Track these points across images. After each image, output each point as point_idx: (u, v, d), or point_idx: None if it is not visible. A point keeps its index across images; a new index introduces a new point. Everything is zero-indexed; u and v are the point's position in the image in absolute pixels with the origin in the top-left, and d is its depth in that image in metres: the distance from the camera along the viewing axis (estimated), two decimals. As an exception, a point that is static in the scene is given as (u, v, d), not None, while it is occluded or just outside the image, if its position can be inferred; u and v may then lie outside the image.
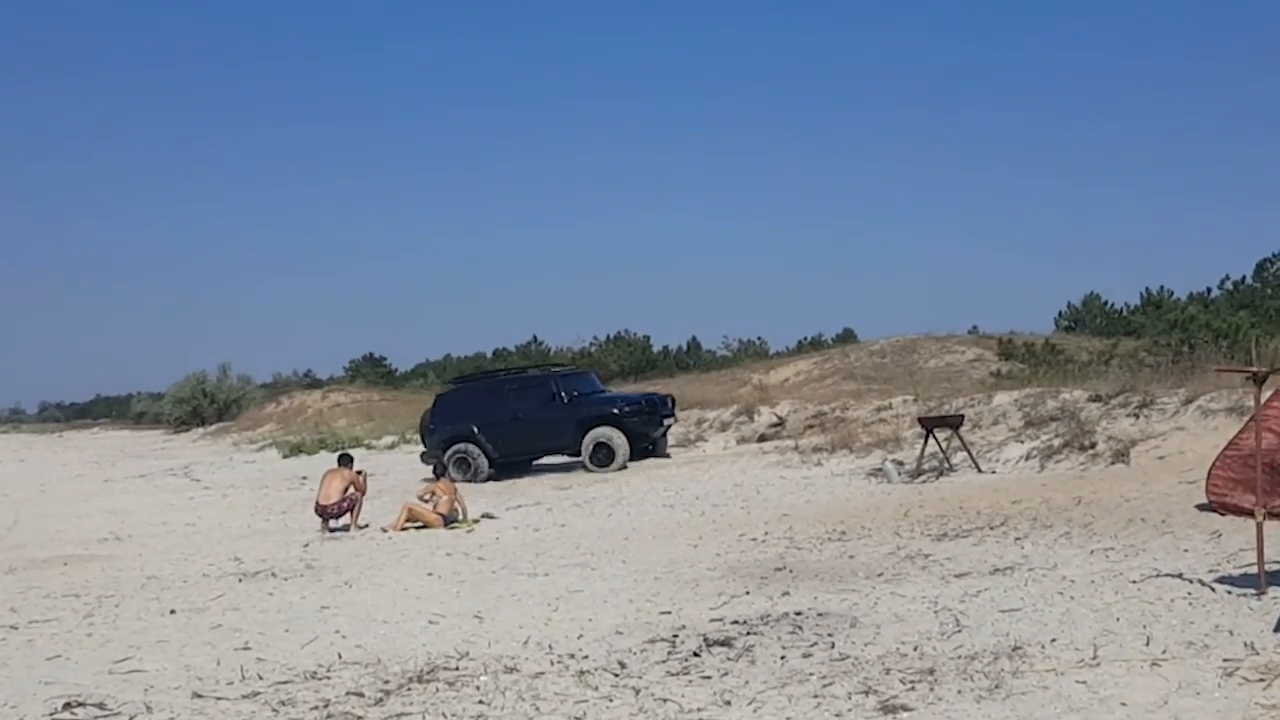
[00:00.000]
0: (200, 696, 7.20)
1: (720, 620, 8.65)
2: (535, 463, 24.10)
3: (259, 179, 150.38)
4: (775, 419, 25.63)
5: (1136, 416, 16.87)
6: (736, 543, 12.65)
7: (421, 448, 24.65)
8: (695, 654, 7.60)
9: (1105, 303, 55.56)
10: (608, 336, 74.00)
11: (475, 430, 23.18)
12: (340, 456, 17.81)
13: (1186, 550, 9.88)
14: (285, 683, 7.45)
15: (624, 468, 21.89)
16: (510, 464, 23.37)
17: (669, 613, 9.09)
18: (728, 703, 6.43)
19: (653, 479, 20.07)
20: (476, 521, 16.26)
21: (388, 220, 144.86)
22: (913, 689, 6.40)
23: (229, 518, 19.32)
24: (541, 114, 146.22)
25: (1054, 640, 7.22)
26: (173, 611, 10.37)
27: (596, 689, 6.89)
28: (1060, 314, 56.21)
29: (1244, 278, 52.79)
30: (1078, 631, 7.40)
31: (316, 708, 6.79)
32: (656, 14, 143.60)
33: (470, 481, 22.26)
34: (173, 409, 65.71)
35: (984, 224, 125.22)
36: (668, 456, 23.25)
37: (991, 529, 12.01)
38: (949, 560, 10.52)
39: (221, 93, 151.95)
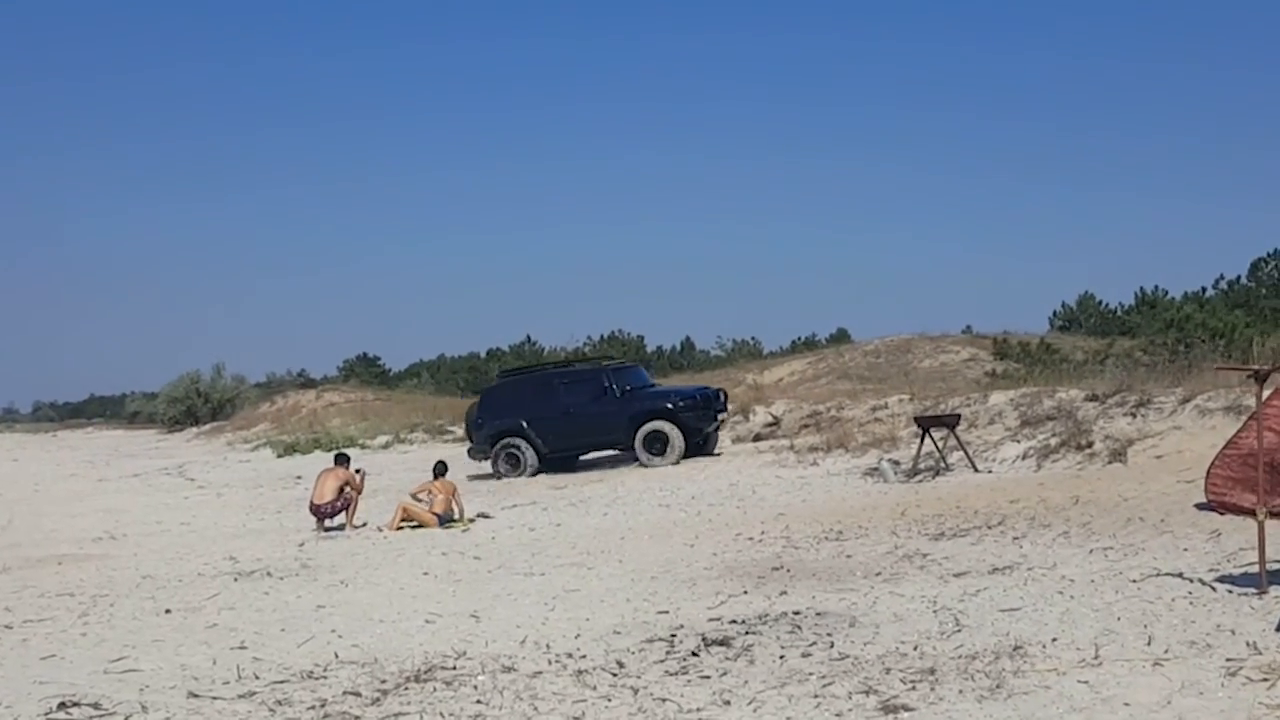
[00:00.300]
0: (196, 696, 7.15)
1: (718, 620, 8.61)
2: (581, 458, 23.79)
3: (253, 179, 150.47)
4: (770, 419, 25.62)
5: (1133, 416, 16.85)
6: (733, 542, 12.61)
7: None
8: (694, 653, 7.56)
9: (1100, 302, 55.61)
10: (601, 336, 73.88)
11: (525, 425, 22.87)
12: (336, 456, 17.76)
13: (1186, 549, 9.85)
14: (281, 682, 7.40)
15: (678, 462, 21.53)
16: (559, 459, 23.05)
17: (666, 612, 9.05)
18: (727, 702, 6.38)
19: (648, 478, 20.03)
20: (472, 521, 16.22)
21: (382, 220, 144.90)
22: (913, 689, 6.36)
23: (224, 517, 19.26)
24: (536, 116, 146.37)
25: (1055, 640, 7.18)
26: (168, 611, 10.31)
27: (595, 689, 6.84)
28: (1055, 313, 56.28)
29: (1239, 277, 52.84)
30: (1078, 631, 7.36)
31: (313, 707, 6.74)
32: (653, 16, 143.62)
33: (519, 477, 22.21)
34: (167, 409, 65.61)
35: (978, 224, 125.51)
36: (718, 454, 22.71)
37: (989, 528, 11.98)
38: (947, 559, 10.48)
39: (217, 93, 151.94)
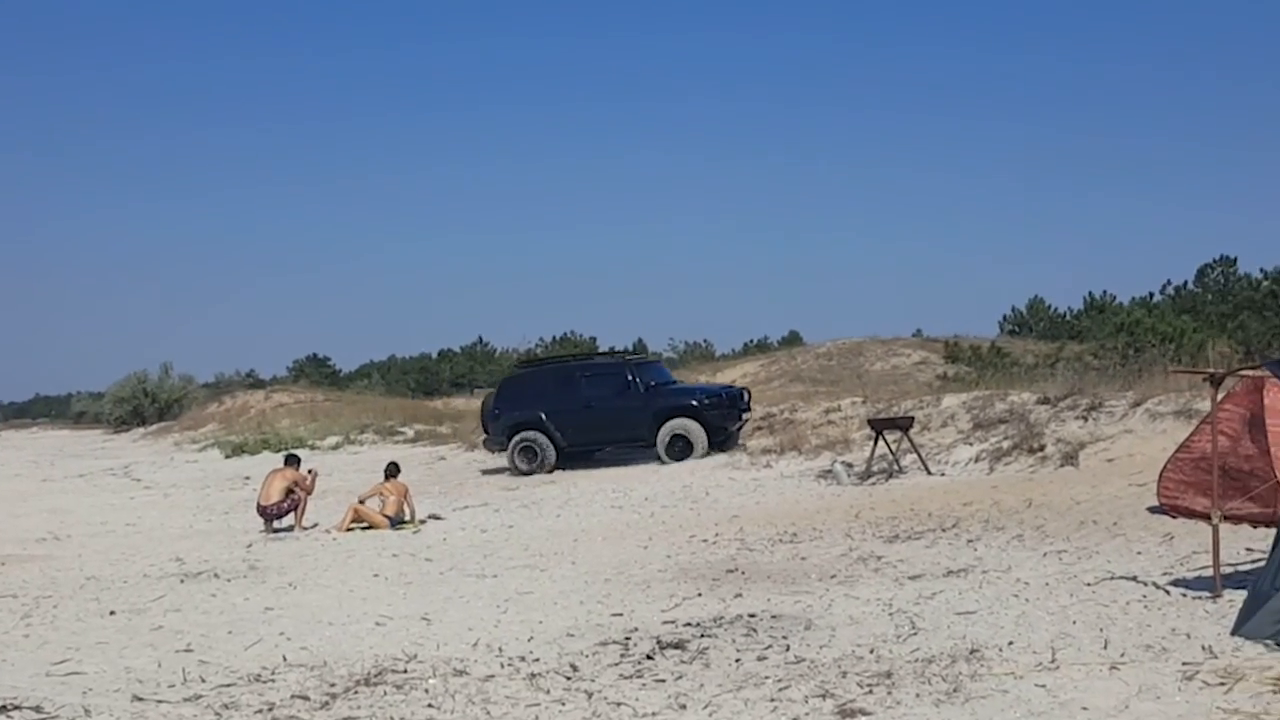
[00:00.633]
0: (141, 700, 6.98)
1: (673, 622, 8.54)
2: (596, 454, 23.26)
3: (202, 180, 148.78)
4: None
5: (1085, 419, 16.93)
6: (687, 544, 12.55)
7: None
8: (648, 656, 7.48)
9: (1049, 307, 56.11)
10: (554, 338, 73.87)
11: (543, 417, 22.39)
12: (286, 457, 17.55)
13: (1139, 553, 9.88)
14: (228, 685, 7.25)
15: (702, 459, 20.98)
16: (576, 454, 22.55)
17: (620, 615, 8.96)
18: (683, 706, 6.30)
19: (600, 480, 19.94)
20: (423, 522, 16.05)
21: (332, 222, 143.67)
22: (870, 692, 6.31)
23: (170, 518, 18.98)
24: (484, 118, 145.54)
25: (1011, 643, 7.16)
26: (112, 613, 10.12)
27: (548, 692, 6.75)
28: (1005, 317, 56.80)
29: (1185, 283, 53.50)
30: (1035, 634, 7.34)
31: (260, 711, 6.60)
32: (603, 17, 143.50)
33: (535, 473, 21.84)
34: (113, 408, 64.75)
35: (928, 228, 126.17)
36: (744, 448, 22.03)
37: (943, 531, 11.98)
38: (902, 562, 10.46)
39: (169, 94, 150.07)
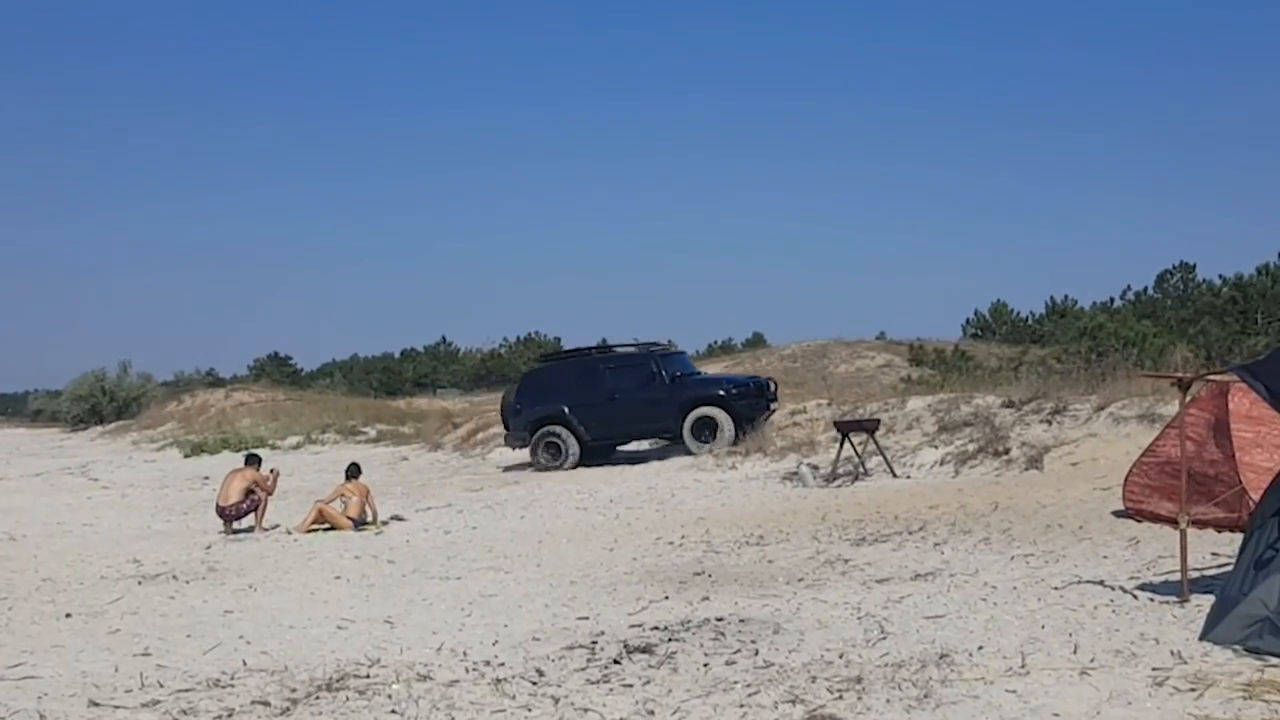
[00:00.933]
0: (97, 705, 6.85)
1: (640, 626, 8.45)
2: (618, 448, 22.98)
3: (160, 179, 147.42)
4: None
5: (1049, 423, 16.97)
6: (653, 546, 12.47)
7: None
8: (616, 661, 7.38)
9: (1012, 311, 56.50)
10: (518, 338, 73.89)
11: (566, 411, 22.03)
12: (247, 457, 17.35)
13: (1106, 557, 9.86)
14: (187, 691, 7.11)
15: (729, 446, 20.59)
16: (600, 448, 22.18)
17: (587, 618, 8.86)
18: (651, 712, 6.21)
19: (564, 481, 19.85)
20: (385, 523, 15.89)
21: (292, 221, 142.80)
22: (840, 698, 6.24)
23: (128, 518, 18.72)
24: (448, 119, 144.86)
25: (981, 648, 7.11)
26: (68, 615, 9.93)
27: (514, 698, 6.64)
28: (968, 321, 57.15)
29: (1145, 288, 54.00)
30: (1004, 639, 7.30)
31: (220, 717, 6.48)
32: (564, 14, 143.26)
33: (558, 469, 21.54)
34: (70, 407, 64.14)
35: (890, 230, 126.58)
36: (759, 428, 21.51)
37: (910, 534, 11.95)
38: (869, 565, 10.41)
39: (128, 93, 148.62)
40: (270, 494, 16.29)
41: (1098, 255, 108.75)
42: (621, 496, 17.38)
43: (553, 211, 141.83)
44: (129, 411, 60.02)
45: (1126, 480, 11.60)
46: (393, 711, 6.45)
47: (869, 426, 17.81)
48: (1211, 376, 10.02)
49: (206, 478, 24.86)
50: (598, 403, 21.96)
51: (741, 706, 6.21)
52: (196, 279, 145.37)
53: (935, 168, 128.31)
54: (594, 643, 7.96)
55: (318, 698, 6.81)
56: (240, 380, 65.84)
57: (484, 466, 25.15)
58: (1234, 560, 7.69)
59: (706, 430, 21.02)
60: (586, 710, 6.31)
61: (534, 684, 6.93)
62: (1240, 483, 10.14)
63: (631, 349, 23.48)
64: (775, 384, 23.89)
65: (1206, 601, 7.56)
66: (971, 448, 16.85)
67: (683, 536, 12.96)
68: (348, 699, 6.75)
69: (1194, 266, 54.53)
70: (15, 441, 55.94)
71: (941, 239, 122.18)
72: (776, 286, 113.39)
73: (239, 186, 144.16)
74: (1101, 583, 8.78)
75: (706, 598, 9.41)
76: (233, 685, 7.20)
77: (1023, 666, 6.60)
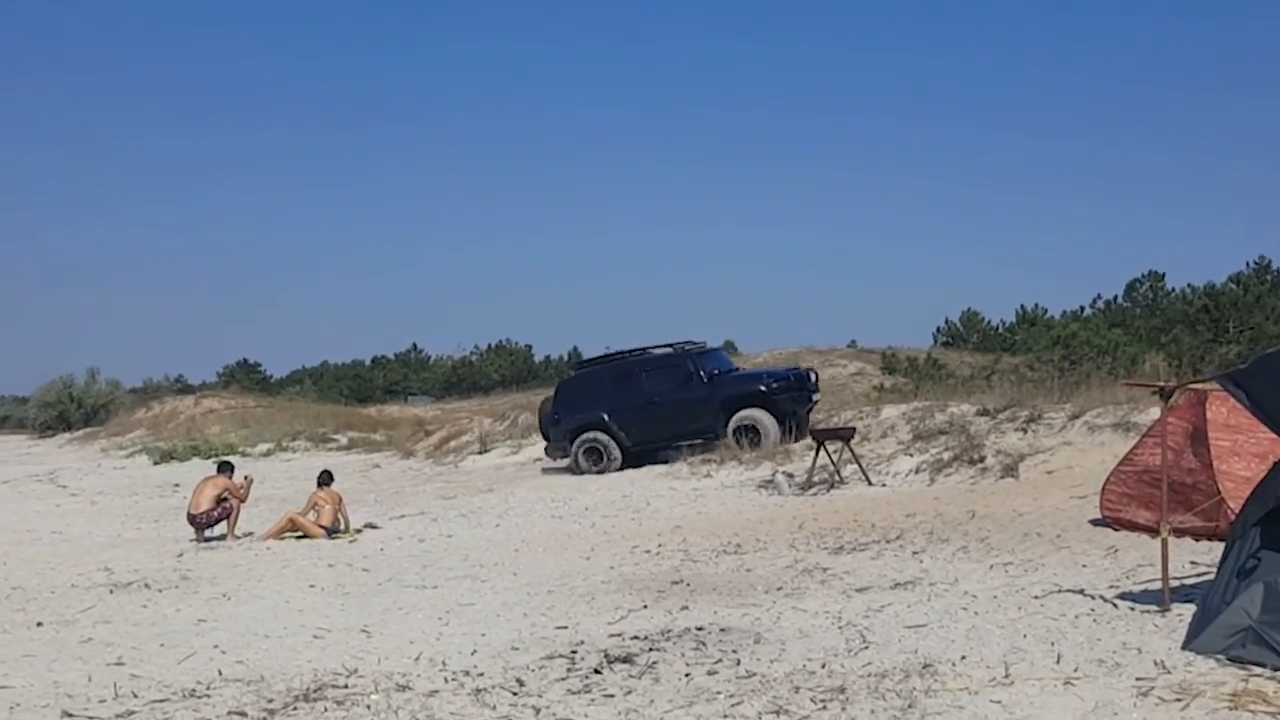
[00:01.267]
0: (71, 715, 6.75)
1: (619, 635, 8.38)
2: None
3: (127, 181, 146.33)
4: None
5: (1024, 431, 17.02)
6: (630, 555, 12.40)
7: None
8: (596, 671, 7.32)
9: (983, 319, 56.79)
10: (489, 345, 73.88)
11: (606, 418, 21.71)
12: (219, 464, 17.20)
13: (1084, 565, 9.86)
14: (162, 701, 7.01)
15: (775, 447, 20.22)
16: (643, 454, 21.72)
17: (565, 627, 8.79)
18: (633, 723, 6.16)
19: (539, 489, 19.78)
20: (359, 531, 15.77)
21: (263, 228, 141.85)
22: (824, 708, 6.20)
23: (98, 526, 18.53)
24: (418, 127, 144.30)
25: (964, 657, 7.07)
26: (40, 624, 9.79)
27: (494, 708, 6.57)
28: (939, 329, 57.42)
29: (1115, 297, 54.39)
30: (987, 648, 7.27)
31: (196, 729, 6.39)
32: (537, 24, 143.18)
33: (602, 473, 21.19)
34: (38, 413, 63.57)
35: (861, 239, 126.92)
36: (805, 424, 21.14)
37: (888, 542, 11.93)
38: (848, 574, 10.38)
39: (92, 99, 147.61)
40: (243, 501, 16.15)
41: (1067, 264, 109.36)
42: (596, 505, 17.30)
43: (524, 219, 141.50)
44: (97, 418, 59.56)
45: (1104, 489, 11.61)
46: (372, 722, 6.37)
47: (844, 434, 17.82)
48: (1194, 385, 10.05)
49: (177, 485, 24.66)
50: (637, 407, 21.61)
51: (725, 717, 6.17)
52: (165, 285, 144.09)
53: (904, 177, 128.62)
54: (574, 652, 7.89)
55: (295, 708, 6.72)
56: (209, 387, 65.48)
57: (457, 474, 25.05)
58: (1213, 569, 7.70)
59: (752, 433, 20.57)
60: (568, 721, 6.25)
61: (514, 694, 6.87)
62: (1218, 491, 10.16)
63: (667, 350, 22.91)
64: (816, 374, 23.46)
65: (1187, 610, 7.57)
66: (947, 456, 16.86)
67: (659, 545, 12.91)
68: (326, 709, 6.67)
69: (1163, 275, 55.07)
70: (-19, 448, 55.45)
71: (911, 247, 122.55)
72: (748, 294, 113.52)
73: (208, 193, 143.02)
74: (1082, 591, 8.77)
75: (686, 607, 9.35)
76: (208, 695, 7.11)
77: (1006, 676, 6.57)
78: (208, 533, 15.63)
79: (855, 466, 17.21)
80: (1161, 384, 8.84)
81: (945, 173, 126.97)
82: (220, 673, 7.71)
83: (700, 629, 8.42)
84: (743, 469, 19.16)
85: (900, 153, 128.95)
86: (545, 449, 23.38)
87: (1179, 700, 5.92)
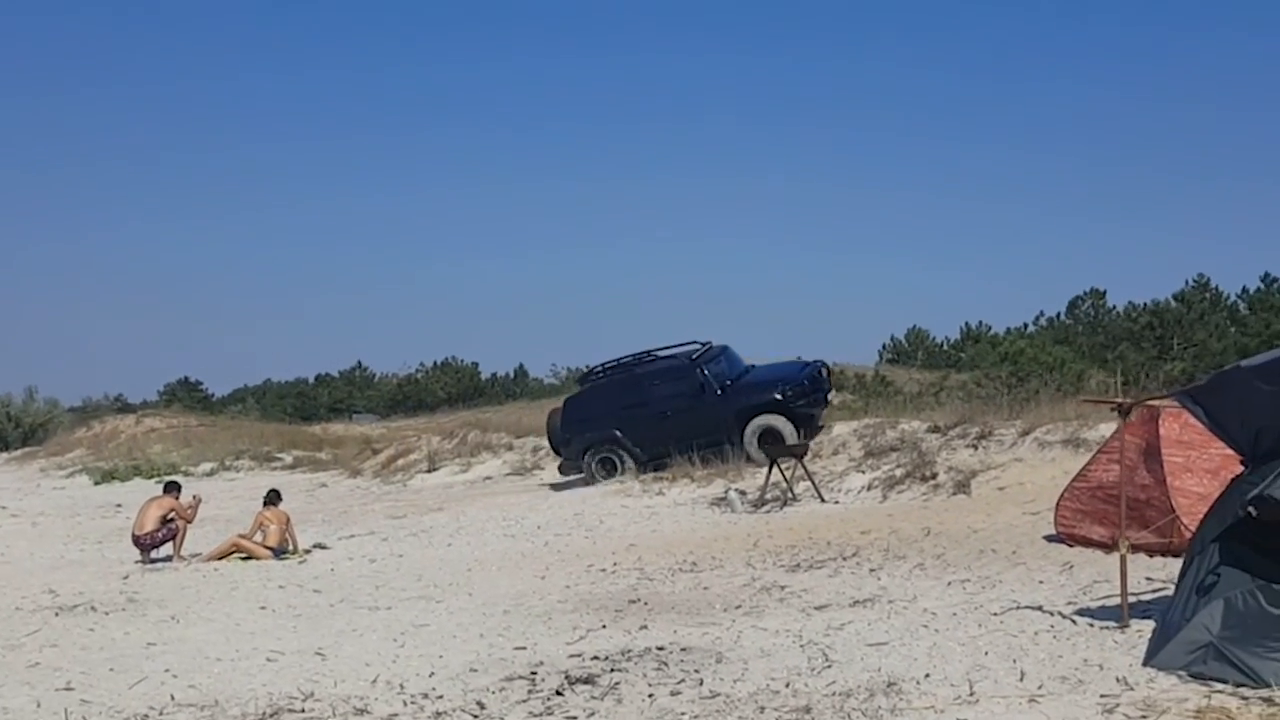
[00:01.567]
0: (17, 745, 6.59)
1: (579, 656, 8.30)
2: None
3: (62, 201, 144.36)
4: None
5: (975, 448, 17.09)
6: (585, 574, 12.32)
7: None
8: (558, 692, 7.24)
9: (929, 336, 57.18)
10: (434, 363, 73.46)
11: (619, 434, 21.05)
12: (166, 484, 16.93)
13: (1041, 582, 9.88)
14: (113, 728, 6.87)
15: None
16: (655, 463, 20.97)
17: (524, 648, 8.70)
18: (599, 746, 6.09)
19: (490, 508, 19.61)
20: (308, 552, 15.57)
21: (202, 244, 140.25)
22: (791, 728, 6.15)
23: (40, 547, 18.17)
24: (362, 142, 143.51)
25: (927, 675, 7.05)
26: (-17, 649, 9.58)
27: (456, 732, 6.48)
28: (884, 346, 57.71)
29: (1058, 314, 54.95)
30: (949, 666, 7.25)
31: (150, 757, 6.24)
32: (510, 41, 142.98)
33: (615, 480, 20.65)
34: (-27, 433, 62.55)
35: (803, 253, 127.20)
36: (822, 427, 20.81)
37: (844, 559, 11.91)
38: (806, 592, 10.35)
39: (26, 115, 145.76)
40: (190, 522, 15.89)
41: (1009, 280, 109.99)
42: (549, 523, 17.18)
43: (470, 236, 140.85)
44: (35, 438, 58.59)
45: (1058, 505, 11.66)
46: (332, 748, 6.26)
47: (797, 451, 17.80)
48: (1152, 401, 10.11)
49: (119, 505, 24.26)
50: (648, 420, 20.95)
51: (691, 738, 6.11)
52: (104, 302, 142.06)
53: (845, 188, 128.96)
54: (534, 673, 7.81)
55: (252, 734, 6.60)
56: (150, 406, 64.56)
57: (406, 493, 24.84)
58: (1169, 585, 7.73)
59: (771, 435, 19.94)
60: (533, 744, 6.17)
61: (475, 717, 6.79)
62: (1172, 508, 10.22)
63: (674, 357, 22.06)
64: (828, 370, 22.96)
65: (1146, 626, 7.60)
66: (899, 473, 16.89)
67: (615, 564, 12.83)
68: (284, 735, 6.55)
69: (1104, 293, 55.69)
70: (-84, 468, 54.44)
71: (854, 263, 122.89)
72: (689, 308, 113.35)
73: (147, 209, 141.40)
74: (1040, 608, 8.78)
75: (645, 626, 9.29)
76: (162, 721, 6.97)
77: (971, 694, 6.55)
78: (153, 554, 15.37)
79: (808, 483, 17.19)
80: (1120, 400, 8.88)
81: (887, 186, 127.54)
82: (173, 697, 7.56)
83: (661, 649, 8.35)
84: (695, 486, 19.08)
85: (841, 165, 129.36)
86: (558, 467, 22.67)
87: (1144, 717, 5.92)
